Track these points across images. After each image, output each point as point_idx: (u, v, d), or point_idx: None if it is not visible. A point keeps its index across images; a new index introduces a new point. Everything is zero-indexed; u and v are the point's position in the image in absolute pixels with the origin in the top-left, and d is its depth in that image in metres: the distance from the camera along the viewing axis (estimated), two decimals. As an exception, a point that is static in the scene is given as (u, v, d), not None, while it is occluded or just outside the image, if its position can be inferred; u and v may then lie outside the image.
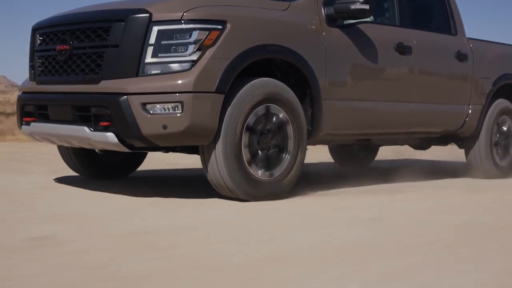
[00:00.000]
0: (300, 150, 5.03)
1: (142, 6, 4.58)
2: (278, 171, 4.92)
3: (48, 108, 5.00)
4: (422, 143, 7.25)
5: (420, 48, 6.11)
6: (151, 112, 4.42)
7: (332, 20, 5.35)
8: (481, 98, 6.88)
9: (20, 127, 5.32)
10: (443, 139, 7.11)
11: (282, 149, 4.94)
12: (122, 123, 4.45)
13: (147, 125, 4.42)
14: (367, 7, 5.25)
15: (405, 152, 8.50)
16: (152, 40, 4.49)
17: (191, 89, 4.41)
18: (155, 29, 4.50)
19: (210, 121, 4.50)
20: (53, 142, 5.10)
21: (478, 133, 6.96)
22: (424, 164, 8.76)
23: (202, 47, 4.49)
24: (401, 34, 6.02)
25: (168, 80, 4.44)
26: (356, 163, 8.28)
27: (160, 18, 4.51)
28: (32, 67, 5.25)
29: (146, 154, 6.05)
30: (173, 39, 4.50)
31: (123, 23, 4.54)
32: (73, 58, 4.79)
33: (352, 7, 5.25)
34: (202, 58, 4.47)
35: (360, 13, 5.30)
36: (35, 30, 5.26)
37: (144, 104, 4.42)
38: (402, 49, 5.93)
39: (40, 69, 5.12)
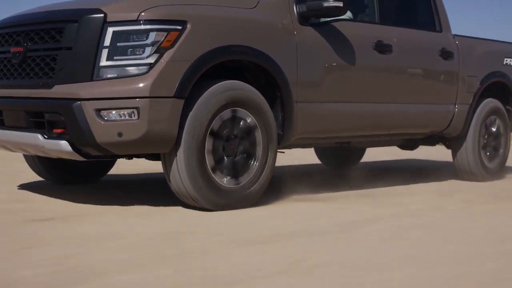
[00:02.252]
0: (269, 156, 4.77)
1: (97, 6, 4.32)
2: (245, 179, 4.66)
3: (3, 114, 4.76)
4: (408, 144, 6.99)
5: (401, 46, 5.83)
6: (106, 118, 4.17)
7: (304, 19, 5.08)
8: (468, 97, 6.59)
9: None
10: (430, 140, 6.84)
11: (249, 155, 4.69)
12: (76, 131, 4.20)
13: (102, 133, 4.16)
14: (340, 4, 4.98)
15: (397, 151, 8.20)
16: (107, 42, 4.22)
17: (148, 94, 4.15)
18: (110, 30, 4.23)
19: (169, 128, 4.24)
20: (10, 150, 4.84)
21: (466, 133, 6.68)
22: (415, 165, 8.50)
23: (160, 49, 4.22)
24: (380, 32, 5.74)
25: (123, 85, 4.19)
26: (342, 164, 8.03)
27: (115, 18, 4.25)
28: (-13, 70, 5.00)
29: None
30: (129, 41, 4.24)
31: (77, 24, 4.28)
32: (27, 61, 4.53)
33: (325, 4, 4.97)
34: (160, 61, 4.21)
35: (334, 11, 5.03)
36: (-9, 31, 5.00)
37: (98, 110, 4.17)
38: (381, 47, 5.65)
39: (-5, 72, 4.87)
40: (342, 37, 5.34)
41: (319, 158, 8.21)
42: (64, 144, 4.26)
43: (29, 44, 4.52)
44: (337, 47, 5.27)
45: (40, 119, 4.42)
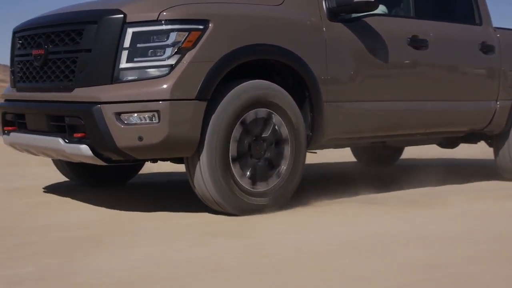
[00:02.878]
0: (297, 158, 4.58)
1: (116, 6, 4.19)
2: (273, 181, 4.48)
3: (25, 117, 4.68)
4: (448, 142, 6.71)
5: (438, 41, 5.56)
6: (126, 122, 4.04)
7: (334, 15, 4.88)
8: (510, 93, 6.28)
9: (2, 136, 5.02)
10: (471, 137, 6.53)
11: (277, 157, 4.51)
12: (96, 135, 4.09)
13: (122, 137, 4.04)
14: (372, -1, 4.76)
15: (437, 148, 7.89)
16: (127, 43, 4.10)
17: (168, 97, 4.01)
18: (130, 31, 4.10)
19: (191, 131, 4.09)
20: (33, 153, 4.77)
21: (508, 131, 6.37)
22: (456, 164, 8.20)
23: (181, 50, 4.08)
24: (415, 27, 5.49)
25: (143, 87, 4.05)
26: (380, 163, 7.79)
27: (135, 19, 4.12)
28: (12, 72, 4.94)
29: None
30: (149, 42, 4.11)
31: (96, 25, 4.16)
32: (49, 63, 4.44)
33: (356, -1, 4.77)
34: (181, 62, 4.06)
35: (365, 6, 4.82)
36: (15, 33, 4.94)
37: (118, 114, 4.04)
38: (417, 43, 5.40)
39: (19, 75, 4.80)
40: (374, 33, 5.11)
41: (354, 155, 7.98)
42: (84, 149, 4.15)
43: (50, 46, 4.43)
44: (368, 44, 5.04)
45: (61, 123, 4.33)
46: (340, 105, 4.87)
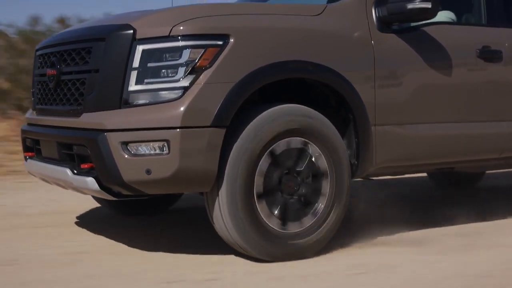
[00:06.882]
0: (339, 193, 3.94)
1: (126, 21, 3.71)
2: (308, 222, 3.88)
3: (40, 144, 4.30)
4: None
5: (515, 52, 4.77)
6: (133, 152, 3.55)
7: (385, 24, 4.21)
8: None
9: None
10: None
11: (313, 193, 3.90)
12: (101, 166, 3.62)
13: (128, 169, 3.55)
14: (428, 5, 4.07)
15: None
16: (136, 62, 3.60)
17: (178, 124, 3.49)
18: (140, 48, 3.61)
19: (206, 164, 3.55)
20: (49, 183, 4.37)
21: None
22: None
23: (195, 70, 3.55)
24: (487, 36, 4.72)
25: (152, 113, 3.55)
26: (458, 184, 6.94)
27: (145, 35, 3.62)
28: (32, 94, 4.58)
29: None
30: (161, 61, 3.60)
31: (104, 42, 3.70)
32: (61, 85, 4.02)
33: (410, 6, 4.09)
34: (195, 83, 3.53)
35: (421, 14, 4.13)
36: (36, 51, 4.57)
37: (125, 143, 3.56)
38: (488, 54, 4.64)
39: (38, 96, 4.42)
40: (435, 44, 4.40)
41: (428, 175, 7.16)
42: (90, 182, 3.69)
43: (63, 66, 4.01)
44: (428, 57, 4.34)
45: (70, 151, 3.90)
46: (391, 128, 4.21)
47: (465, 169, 5.49)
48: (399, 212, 4.81)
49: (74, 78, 3.89)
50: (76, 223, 4.94)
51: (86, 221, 5.02)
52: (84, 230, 4.66)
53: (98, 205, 5.26)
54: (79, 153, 3.79)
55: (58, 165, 3.99)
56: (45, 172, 4.17)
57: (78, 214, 5.25)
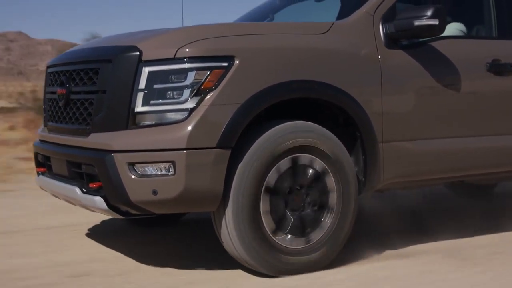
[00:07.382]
0: (346, 209, 3.96)
1: (132, 42, 3.75)
2: (316, 236, 3.90)
3: (51, 160, 4.36)
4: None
5: (526, 65, 4.74)
6: (140, 173, 3.60)
7: (392, 41, 4.21)
8: None
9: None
10: None
11: (320, 210, 3.92)
12: (109, 186, 3.67)
13: (135, 190, 3.60)
14: (436, 22, 4.06)
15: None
16: (143, 84, 3.65)
17: (184, 146, 3.52)
18: (146, 70, 3.65)
19: (212, 184, 3.58)
20: (59, 199, 4.43)
21: None
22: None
23: (201, 91, 3.58)
24: (497, 49, 4.70)
25: (158, 134, 3.59)
26: (479, 194, 6.84)
27: (151, 56, 3.66)
28: (44, 110, 4.65)
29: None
30: (167, 83, 3.63)
31: (111, 63, 3.75)
32: (70, 104, 4.08)
33: (417, 23, 4.09)
34: (200, 105, 3.57)
35: (428, 31, 4.13)
36: (47, 68, 4.63)
37: (132, 164, 3.60)
38: (498, 68, 4.61)
39: (49, 113, 4.49)
40: (443, 59, 4.39)
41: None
42: (99, 201, 3.75)
43: (72, 85, 4.07)
44: (436, 72, 4.33)
45: (79, 170, 3.95)
46: (399, 145, 4.21)
47: (478, 182, 5.46)
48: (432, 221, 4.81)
49: (83, 98, 3.94)
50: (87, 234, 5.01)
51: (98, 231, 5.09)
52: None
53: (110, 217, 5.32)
54: (87, 172, 3.84)
55: (67, 183, 4.05)
56: (55, 189, 4.24)
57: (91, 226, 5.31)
